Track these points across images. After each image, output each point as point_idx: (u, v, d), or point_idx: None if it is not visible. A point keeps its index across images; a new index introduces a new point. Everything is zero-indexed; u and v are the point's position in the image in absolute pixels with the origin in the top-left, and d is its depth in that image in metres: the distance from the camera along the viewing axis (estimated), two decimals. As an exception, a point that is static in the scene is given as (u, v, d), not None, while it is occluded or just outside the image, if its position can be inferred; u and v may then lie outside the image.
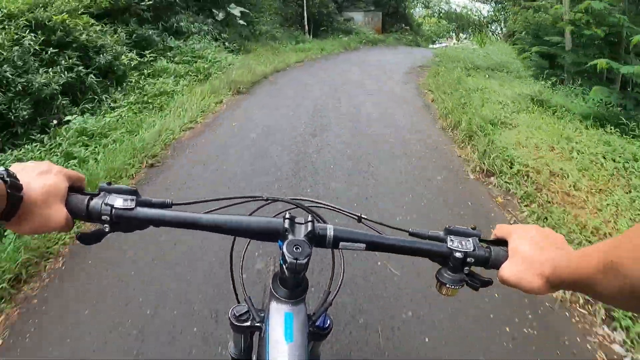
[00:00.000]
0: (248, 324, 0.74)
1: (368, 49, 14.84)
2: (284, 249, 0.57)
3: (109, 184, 0.59)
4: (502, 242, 0.61)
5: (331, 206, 0.74)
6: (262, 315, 0.70)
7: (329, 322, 0.76)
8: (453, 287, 0.60)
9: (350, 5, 18.27)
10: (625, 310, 0.44)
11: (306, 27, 14.74)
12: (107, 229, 0.56)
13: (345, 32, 16.14)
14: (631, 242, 0.38)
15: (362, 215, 0.70)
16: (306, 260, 0.57)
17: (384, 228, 0.69)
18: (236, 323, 0.75)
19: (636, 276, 0.37)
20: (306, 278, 0.65)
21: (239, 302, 0.77)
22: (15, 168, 0.54)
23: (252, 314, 0.73)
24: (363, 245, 0.61)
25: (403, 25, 19.81)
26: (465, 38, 23.50)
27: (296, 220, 0.61)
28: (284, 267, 0.58)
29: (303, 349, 0.59)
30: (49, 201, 0.53)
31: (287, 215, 0.61)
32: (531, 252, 0.55)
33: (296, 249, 0.57)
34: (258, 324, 0.72)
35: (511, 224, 0.61)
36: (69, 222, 0.56)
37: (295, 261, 0.56)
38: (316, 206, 0.73)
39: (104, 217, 0.56)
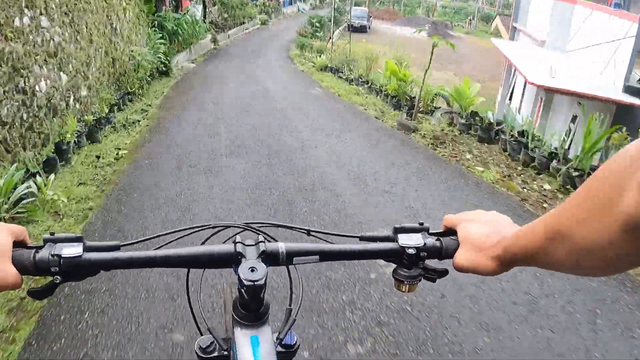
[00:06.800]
0: (216, 354, 0.72)
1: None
2: (240, 273, 0.56)
3: (52, 233, 0.57)
4: (451, 232, 0.62)
5: (280, 224, 0.74)
6: (228, 343, 0.68)
7: (295, 338, 0.75)
8: (411, 283, 0.61)
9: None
10: (576, 274, 0.48)
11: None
12: (58, 280, 0.54)
13: None
14: (571, 209, 0.41)
15: (311, 229, 0.71)
16: (263, 280, 0.56)
17: (334, 237, 0.68)
18: (203, 355, 0.72)
19: (580, 238, 0.39)
20: (266, 299, 0.64)
21: (202, 334, 0.75)
22: None
23: (217, 344, 0.70)
24: (317, 257, 0.60)
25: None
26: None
27: (247, 243, 0.60)
28: (243, 291, 0.57)
29: None
30: None
31: (238, 239, 0.60)
32: (480, 237, 0.57)
33: (251, 271, 0.56)
34: (225, 353, 0.70)
35: (456, 214, 0.63)
36: (17, 280, 0.53)
37: (252, 283, 0.55)
38: (265, 226, 0.72)
39: (53, 269, 0.53)
